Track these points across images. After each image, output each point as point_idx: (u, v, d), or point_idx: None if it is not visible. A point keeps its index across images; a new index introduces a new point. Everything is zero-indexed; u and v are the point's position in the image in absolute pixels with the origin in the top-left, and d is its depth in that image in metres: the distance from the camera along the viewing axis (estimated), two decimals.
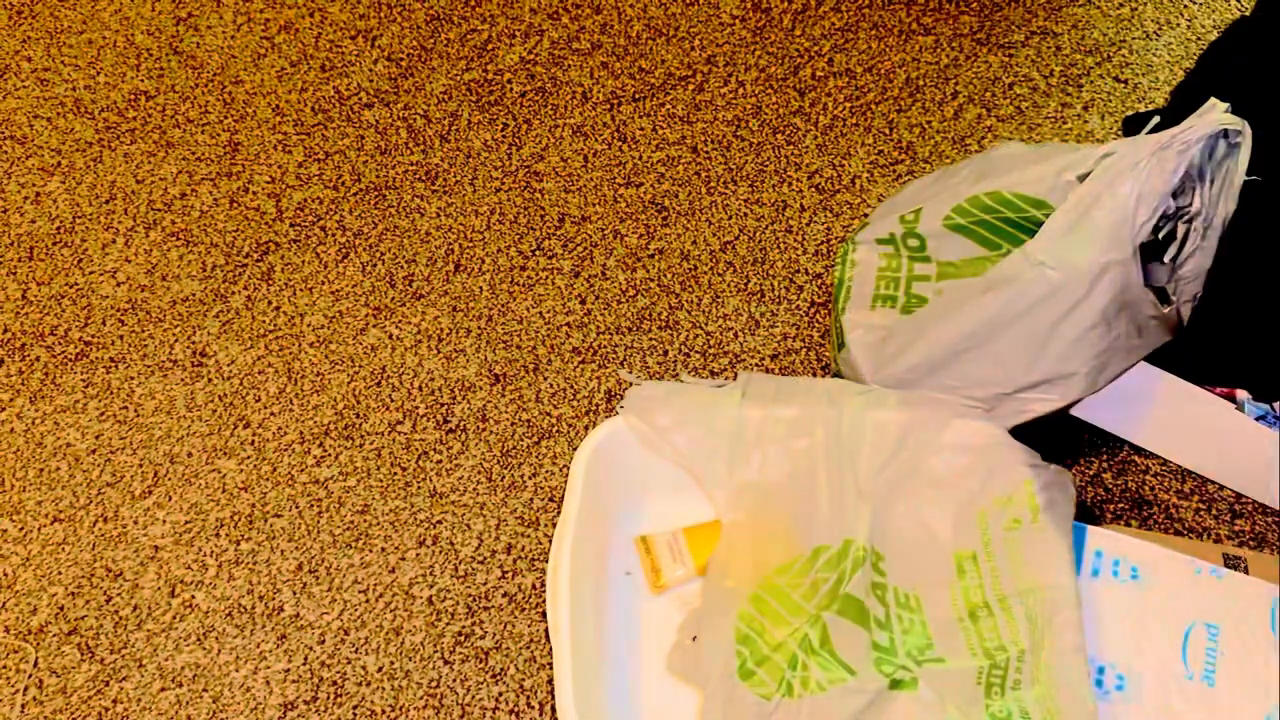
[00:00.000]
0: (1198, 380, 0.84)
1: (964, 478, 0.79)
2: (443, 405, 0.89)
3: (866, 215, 1.02)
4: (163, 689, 0.75)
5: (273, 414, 0.88)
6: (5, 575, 0.80)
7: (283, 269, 0.97)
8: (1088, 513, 0.86)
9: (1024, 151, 0.83)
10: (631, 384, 0.81)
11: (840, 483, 0.79)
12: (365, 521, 0.83)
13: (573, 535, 0.71)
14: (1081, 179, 0.75)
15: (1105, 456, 0.89)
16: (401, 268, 0.98)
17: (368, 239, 1.00)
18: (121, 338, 0.93)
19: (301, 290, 0.96)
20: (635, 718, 0.74)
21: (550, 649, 0.78)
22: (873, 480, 0.79)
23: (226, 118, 1.08)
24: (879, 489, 0.79)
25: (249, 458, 0.86)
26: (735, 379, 0.82)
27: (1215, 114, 0.72)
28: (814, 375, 0.93)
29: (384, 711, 0.75)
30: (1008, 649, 0.71)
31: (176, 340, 0.92)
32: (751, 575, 0.76)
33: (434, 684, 0.76)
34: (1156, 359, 0.81)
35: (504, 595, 0.80)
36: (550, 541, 0.82)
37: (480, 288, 0.97)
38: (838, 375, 0.88)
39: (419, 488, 0.85)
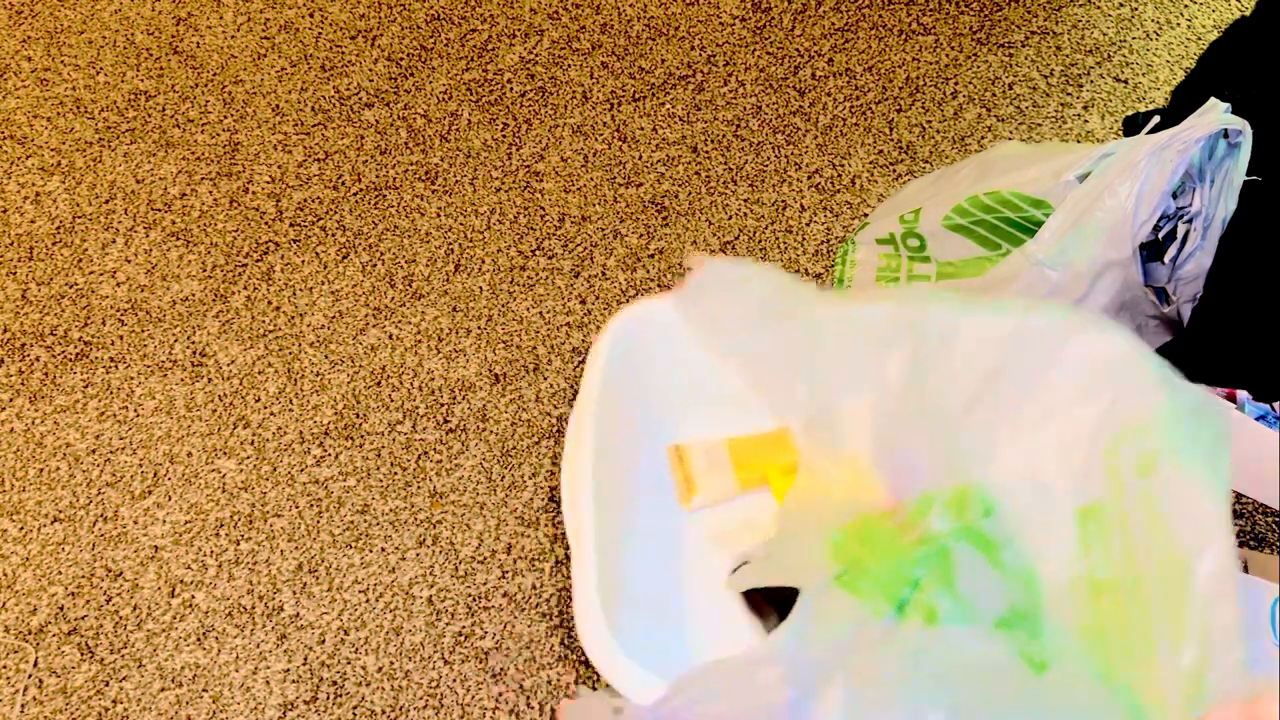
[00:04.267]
0: (1198, 380, 0.84)
1: (1085, 403, 0.61)
2: (443, 405, 0.89)
3: (866, 215, 1.02)
4: (162, 689, 0.75)
5: (272, 414, 0.88)
6: (5, 575, 0.80)
7: (282, 269, 0.97)
8: None
9: (1024, 151, 0.83)
10: (692, 268, 0.65)
11: (937, 412, 0.64)
12: (365, 521, 0.83)
13: (593, 423, 0.59)
14: (1081, 179, 0.75)
15: None
16: (401, 268, 0.98)
17: (368, 239, 1.00)
18: (121, 338, 0.93)
19: (301, 290, 0.96)
20: (667, 639, 0.64)
21: (549, 648, 0.78)
22: (970, 410, 0.63)
23: (226, 118, 1.08)
24: (977, 421, 0.63)
25: (249, 458, 0.86)
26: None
27: (1215, 114, 0.72)
28: None
29: (384, 711, 0.75)
30: (1149, 644, 0.54)
31: (176, 340, 0.92)
32: (837, 517, 0.64)
33: (434, 684, 0.76)
34: None
35: (504, 595, 0.80)
36: (551, 541, 0.82)
37: (480, 287, 0.97)
38: None
39: (419, 488, 0.85)
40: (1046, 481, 0.60)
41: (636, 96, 1.11)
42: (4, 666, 0.76)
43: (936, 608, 0.56)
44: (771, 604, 0.67)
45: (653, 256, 0.99)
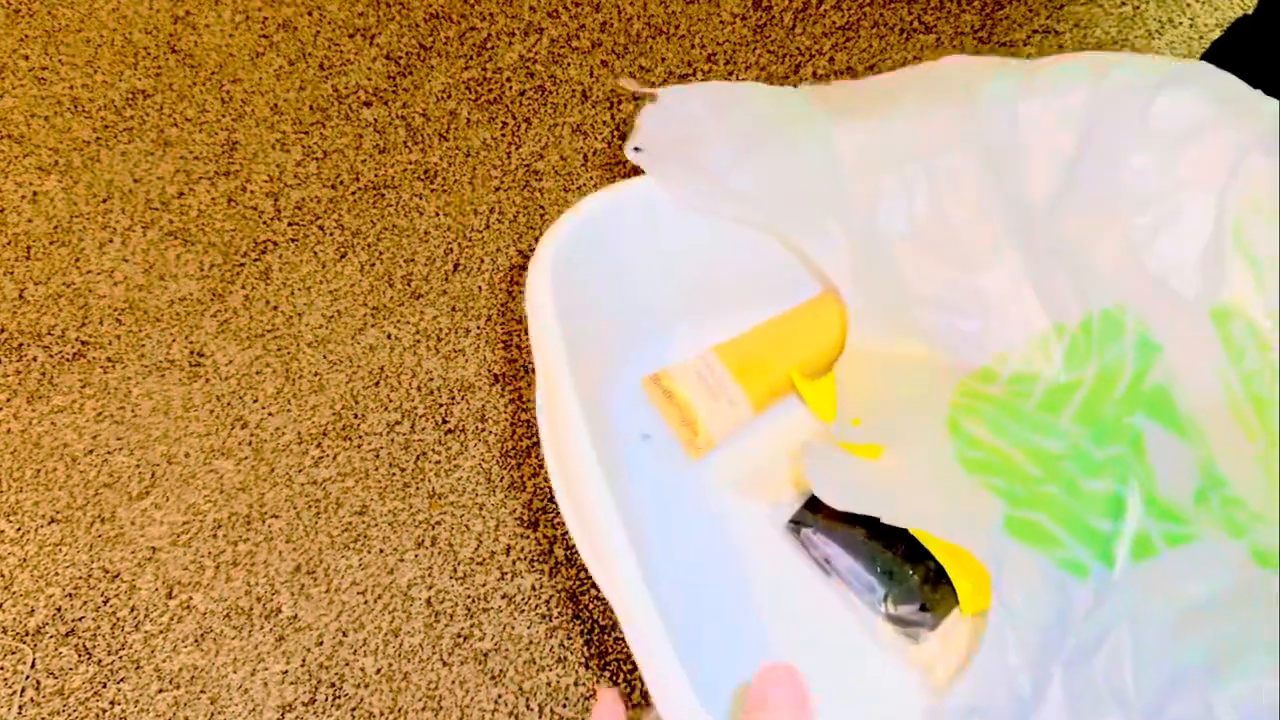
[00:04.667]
0: None
1: (1194, 175, 0.47)
2: (441, 405, 0.89)
3: None
4: (160, 690, 0.75)
5: (270, 414, 0.88)
6: (2, 576, 0.80)
7: (280, 268, 0.97)
8: None
9: None
10: (642, 96, 0.49)
11: (1019, 226, 0.48)
12: (363, 522, 0.83)
13: (577, 400, 0.42)
14: None
15: None
16: (400, 267, 0.97)
17: (366, 238, 0.99)
18: (119, 337, 0.92)
19: (299, 290, 0.96)
20: (750, 653, 0.47)
21: (549, 650, 0.77)
22: (1058, 214, 0.48)
23: (224, 116, 1.08)
24: (1071, 228, 0.48)
25: (246, 458, 0.86)
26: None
27: None
28: None
29: (382, 713, 0.74)
30: None
31: (174, 340, 0.92)
32: (929, 395, 0.47)
33: (432, 686, 0.76)
34: None
35: (503, 597, 0.80)
36: (550, 542, 0.82)
37: (479, 287, 0.96)
38: None
39: (418, 489, 0.84)
40: (1172, 285, 0.46)
41: (637, 95, 1.11)
42: (1, 668, 0.76)
43: (1149, 534, 0.42)
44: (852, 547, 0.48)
45: None
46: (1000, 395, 0.48)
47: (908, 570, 0.48)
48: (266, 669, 0.76)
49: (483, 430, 0.88)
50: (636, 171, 0.49)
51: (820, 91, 0.51)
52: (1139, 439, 0.45)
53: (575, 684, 0.76)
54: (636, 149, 0.48)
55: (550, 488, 0.85)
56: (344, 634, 0.77)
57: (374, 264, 0.98)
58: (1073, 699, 0.40)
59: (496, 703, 0.75)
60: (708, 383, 0.51)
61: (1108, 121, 0.48)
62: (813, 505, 0.50)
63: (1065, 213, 0.48)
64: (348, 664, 0.76)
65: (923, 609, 0.48)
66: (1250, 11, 0.94)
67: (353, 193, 1.03)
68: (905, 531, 0.46)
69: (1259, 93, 0.48)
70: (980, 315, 0.49)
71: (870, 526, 0.47)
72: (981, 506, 0.44)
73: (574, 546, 0.56)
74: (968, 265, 0.49)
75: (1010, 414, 0.47)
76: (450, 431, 0.88)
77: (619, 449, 0.51)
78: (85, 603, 0.79)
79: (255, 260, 0.97)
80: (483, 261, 0.98)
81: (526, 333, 0.93)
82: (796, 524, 0.50)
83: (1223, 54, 0.96)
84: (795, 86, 0.51)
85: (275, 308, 0.94)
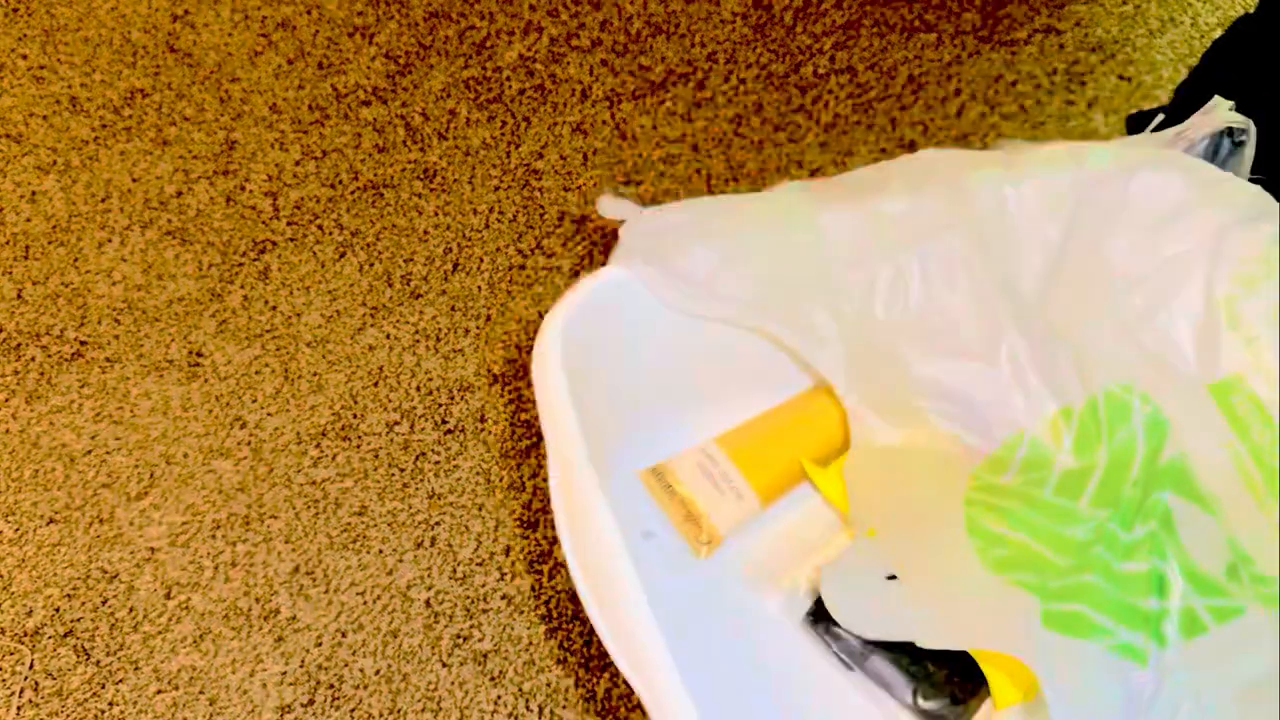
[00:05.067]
0: None
1: (1179, 255, 0.47)
2: (441, 406, 0.89)
3: None
4: (159, 691, 0.75)
5: (269, 414, 0.88)
6: (1, 577, 0.79)
7: (279, 268, 0.97)
8: None
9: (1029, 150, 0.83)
10: (624, 218, 0.48)
11: (1015, 310, 0.47)
12: (362, 523, 0.82)
13: (599, 489, 0.39)
14: None
15: None
16: (399, 267, 0.97)
17: (365, 238, 0.99)
18: (117, 337, 0.92)
19: (298, 289, 0.95)
20: None
21: (548, 651, 0.77)
22: (1050, 297, 0.48)
23: (223, 115, 1.08)
24: (1065, 311, 0.48)
25: (245, 459, 0.85)
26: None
27: (1219, 112, 0.71)
28: None
29: (381, 714, 0.74)
30: None
31: (172, 340, 0.92)
32: (943, 492, 0.45)
33: (432, 687, 0.76)
34: None
35: (502, 597, 0.79)
36: (550, 543, 0.82)
37: (479, 287, 0.96)
38: None
39: (417, 489, 0.84)
40: (1171, 363, 0.46)
41: (636, 94, 1.11)
42: (0, 668, 0.76)
43: (1195, 610, 0.41)
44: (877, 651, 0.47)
45: None
46: (1014, 486, 0.47)
47: (936, 662, 0.46)
48: (265, 670, 0.76)
49: (482, 430, 0.87)
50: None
51: (805, 185, 0.50)
52: (1168, 515, 0.44)
53: (575, 685, 0.76)
54: (619, 253, 0.47)
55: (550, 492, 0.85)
56: (343, 635, 0.77)
57: (373, 264, 0.97)
58: None
59: (496, 704, 0.75)
60: (711, 476, 0.48)
61: (1091, 204, 0.48)
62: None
63: (1059, 296, 0.48)
64: (346, 665, 0.76)
65: (954, 702, 0.46)
66: (1252, 10, 0.93)
67: (352, 192, 1.02)
68: None
69: (1233, 176, 0.49)
70: (987, 400, 0.48)
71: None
72: (1016, 607, 0.42)
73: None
74: (969, 351, 0.48)
75: (1028, 504, 0.46)
76: (450, 432, 0.87)
77: (633, 542, 0.46)
78: (84, 603, 0.78)
79: (254, 260, 0.97)
80: (482, 261, 0.98)
81: (526, 335, 0.93)
82: (814, 617, 0.48)
83: (1224, 53, 0.95)
84: (782, 185, 0.50)
85: (274, 307, 0.94)
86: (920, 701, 0.46)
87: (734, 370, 0.51)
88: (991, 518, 0.45)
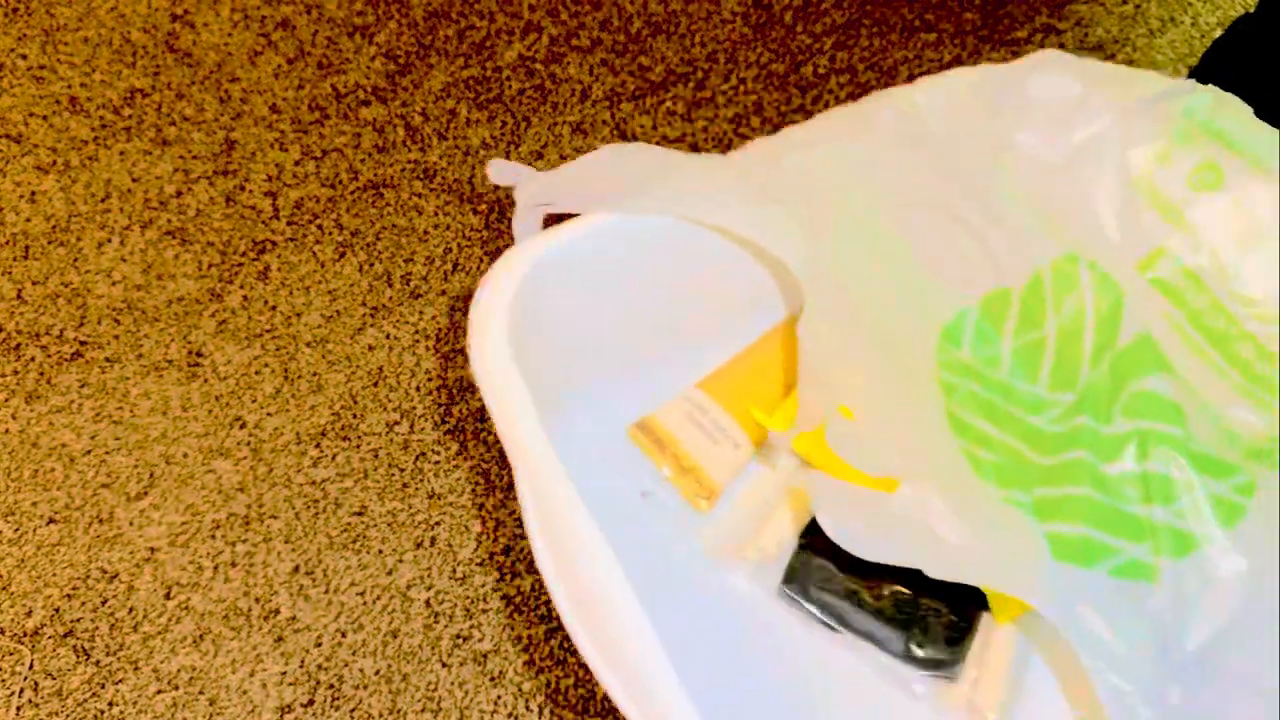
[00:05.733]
0: None
1: (1083, 136, 0.48)
2: (441, 405, 0.89)
3: None
4: (159, 691, 0.75)
5: (269, 414, 0.88)
6: (0, 576, 0.79)
7: (279, 268, 0.97)
8: None
9: None
10: (515, 182, 0.43)
11: (949, 205, 0.47)
12: (362, 523, 0.82)
13: (573, 500, 0.36)
14: None
15: None
16: (399, 267, 0.97)
17: (365, 238, 0.99)
18: (117, 337, 0.92)
19: (298, 289, 0.95)
20: None
21: (548, 652, 0.77)
22: (984, 191, 0.48)
23: (223, 115, 1.08)
24: (997, 202, 0.49)
25: (245, 459, 0.85)
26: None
27: None
28: None
29: (381, 714, 0.74)
30: None
31: (172, 340, 0.92)
32: (912, 362, 0.43)
33: (432, 687, 0.76)
34: None
35: (502, 598, 0.79)
36: None
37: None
38: None
39: (417, 489, 0.84)
40: (1108, 236, 0.46)
41: (636, 94, 1.11)
42: (0, 669, 0.76)
43: (1221, 495, 0.36)
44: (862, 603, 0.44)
45: None
46: (972, 362, 0.45)
47: (925, 605, 0.44)
48: (265, 670, 0.76)
49: (482, 430, 0.87)
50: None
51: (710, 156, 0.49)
52: (1157, 403, 0.42)
53: (575, 685, 0.76)
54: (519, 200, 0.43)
55: None
56: (343, 635, 0.77)
57: (373, 263, 0.97)
58: (1203, 709, 0.37)
59: (496, 704, 0.75)
60: (702, 425, 0.46)
61: (995, 103, 0.49)
62: (803, 558, 0.46)
63: (989, 185, 0.48)
64: (346, 665, 0.76)
65: (950, 643, 0.44)
66: (1252, 10, 0.93)
67: (351, 192, 1.02)
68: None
69: (1121, 66, 0.50)
70: (938, 273, 0.48)
71: (865, 565, 0.42)
72: (1022, 535, 0.40)
73: None
74: (917, 237, 0.48)
75: (990, 388, 0.44)
76: (450, 432, 0.87)
77: (620, 512, 0.42)
78: (83, 603, 0.78)
79: (254, 260, 0.97)
80: (482, 261, 0.98)
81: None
82: (789, 582, 0.46)
83: (1224, 52, 0.96)
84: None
85: (274, 307, 0.94)
86: (915, 649, 0.44)
87: (703, 313, 0.49)
88: (970, 408, 0.44)
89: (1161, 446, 0.42)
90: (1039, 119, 0.49)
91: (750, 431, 0.46)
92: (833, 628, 0.46)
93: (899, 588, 0.44)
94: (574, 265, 0.44)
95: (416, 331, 0.93)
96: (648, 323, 0.47)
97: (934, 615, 0.44)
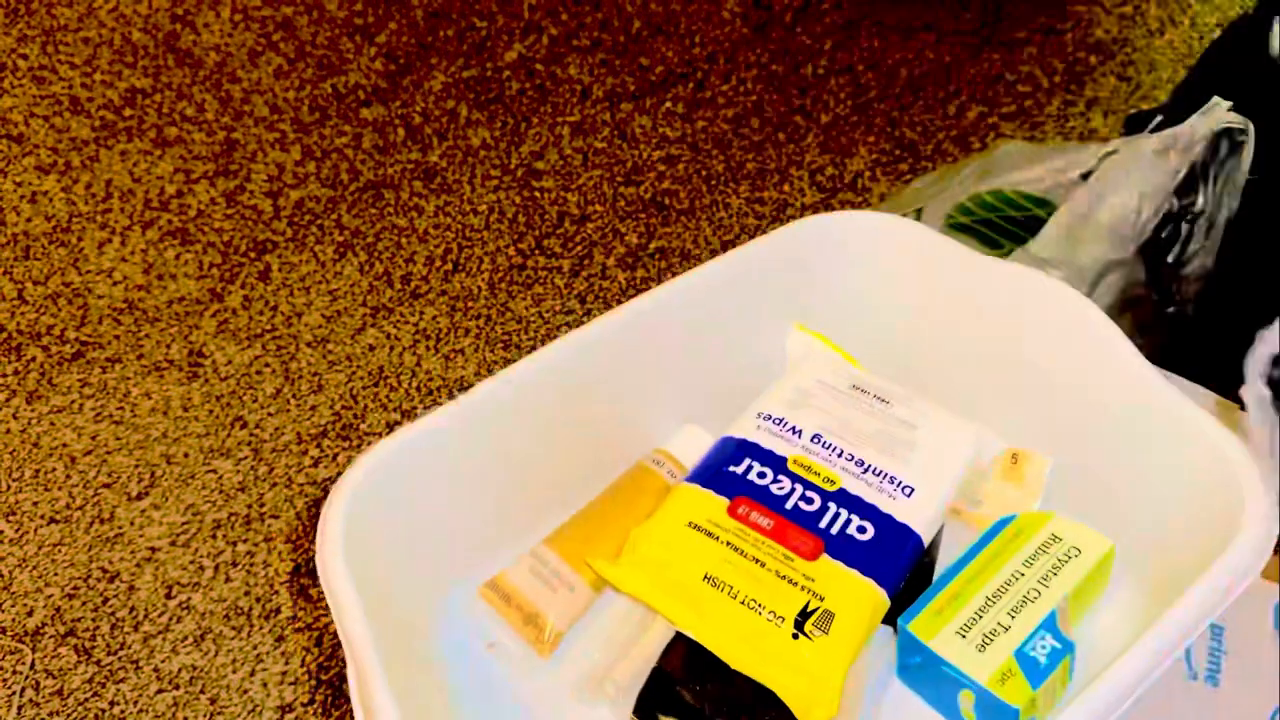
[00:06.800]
0: (1199, 380, 0.84)
1: None
2: (441, 406, 0.89)
3: None
4: (160, 691, 0.75)
5: (270, 414, 0.88)
6: (2, 576, 0.80)
7: (280, 268, 0.97)
8: None
9: (1026, 150, 0.83)
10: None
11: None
12: None
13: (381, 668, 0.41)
14: (1084, 177, 0.75)
15: None
16: (399, 267, 0.97)
17: (365, 238, 0.99)
18: (118, 337, 0.92)
19: (299, 290, 0.96)
20: None
21: None
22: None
23: (223, 116, 1.08)
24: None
25: (245, 459, 0.85)
26: None
27: (1219, 112, 0.71)
28: None
29: None
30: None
31: (173, 340, 0.92)
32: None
33: None
34: (1157, 359, 0.80)
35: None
36: None
37: (479, 287, 0.96)
38: None
39: None
40: None
41: (636, 94, 1.11)
42: (1, 668, 0.76)
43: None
44: None
45: (653, 255, 0.99)
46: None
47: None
48: (266, 669, 0.76)
49: None
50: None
51: None
52: None
53: None
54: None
55: None
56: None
57: (373, 264, 0.97)
58: None
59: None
60: (542, 576, 0.50)
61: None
62: (657, 685, 0.47)
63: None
64: (346, 665, 0.76)
65: None
66: (1251, 10, 0.94)
67: (352, 192, 1.02)
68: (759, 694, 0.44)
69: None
70: None
71: (719, 689, 0.45)
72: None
73: None
74: None
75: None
76: None
77: (471, 668, 0.49)
78: (84, 603, 0.79)
79: (254, 260, 0.97)
80: (482, 261, 0.98)
81: (526, 334, 0.93)
82: (640, 710, 0.46)
83: (1223, 53, 0.96)
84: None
85: (274, 308, 0.94)
86: None
87: (556, 478, 0.55)
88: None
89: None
90: None
91: (586, 575, 0.51)
92: None
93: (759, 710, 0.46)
94: (412, 464, 0.50)
95: (417, 331, 0.93)
96: (515, 491, 0.53)
97: None
